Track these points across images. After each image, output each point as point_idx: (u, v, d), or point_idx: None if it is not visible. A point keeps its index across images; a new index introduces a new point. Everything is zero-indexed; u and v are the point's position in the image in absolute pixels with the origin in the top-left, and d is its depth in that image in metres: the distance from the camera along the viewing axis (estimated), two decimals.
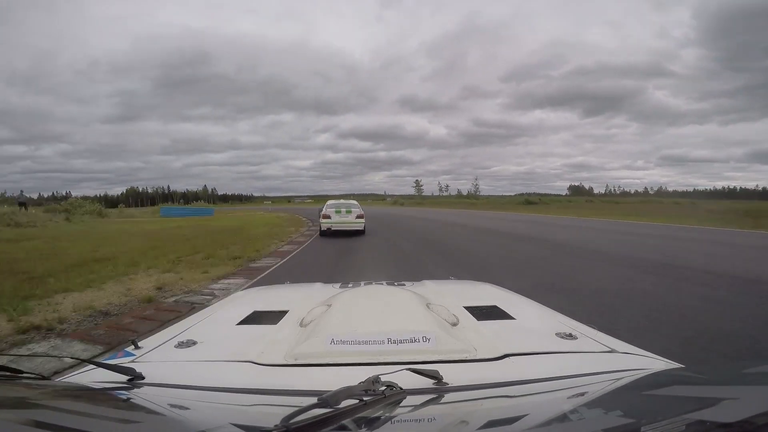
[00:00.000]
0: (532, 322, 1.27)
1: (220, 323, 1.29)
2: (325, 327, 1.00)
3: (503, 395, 0.73)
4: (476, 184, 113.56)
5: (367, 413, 0.57)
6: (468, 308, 1.26)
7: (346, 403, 0.57)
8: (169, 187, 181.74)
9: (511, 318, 1.23)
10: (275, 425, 0.49)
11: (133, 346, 1.04)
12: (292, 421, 0.49)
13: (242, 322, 1.22)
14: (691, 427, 0.47)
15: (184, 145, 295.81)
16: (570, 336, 1.05)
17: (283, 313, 1.26)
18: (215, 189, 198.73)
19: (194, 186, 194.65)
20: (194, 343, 1.04)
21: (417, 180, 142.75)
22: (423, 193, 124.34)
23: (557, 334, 1.06)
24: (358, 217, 13.59)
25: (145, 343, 1.07)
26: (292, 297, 1.64)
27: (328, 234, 13.08)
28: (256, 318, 1.27)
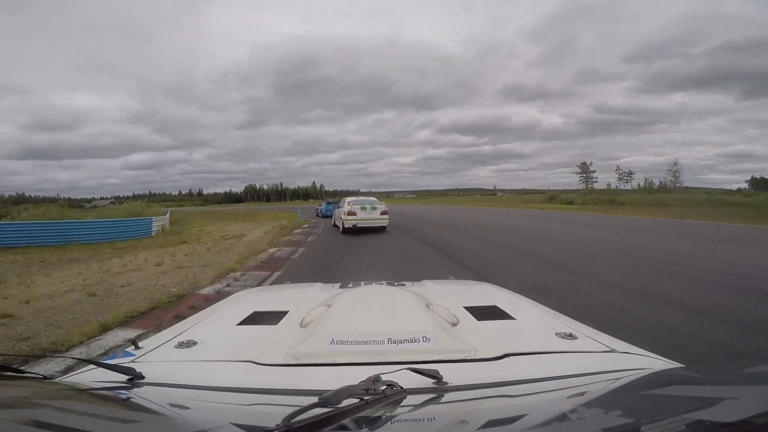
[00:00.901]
0: (532, 322, 1.28)
1: (221, 323, 1.29)
2: (325, 327, 1.01)
3: (503, 395, 0.73)
4: (675, 173, 55.59)
5: (368, 412, 0.58)
6: (468, 308, 1.27)
7: (347, 402, 0.57)
8: (281, 184, 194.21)
9: (511, 318, 1.23)
10: (276, 425, 0.49)
11: (133, 347, 1.04)
12: (293, 421, 0.49)
13: (242, 323, 1.23)
14: (691, 427, 0.47)
15: (302, 147, 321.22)
16: (570, 336, 1.06)
17: (283, 313, 1.27)
18: (323, 185, 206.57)
19: (307, 183, 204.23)
20: (194, 343, 1.05)
21: (583, 165, 69.25)
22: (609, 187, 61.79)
23: (557, 334, 1.06)
24: (383, 213, 13.70)
25: (146, 344, 1.07)
26: (292, 297, 1.65)
27: (351, 232, 12.85)
28: (256, 318, 1.27)
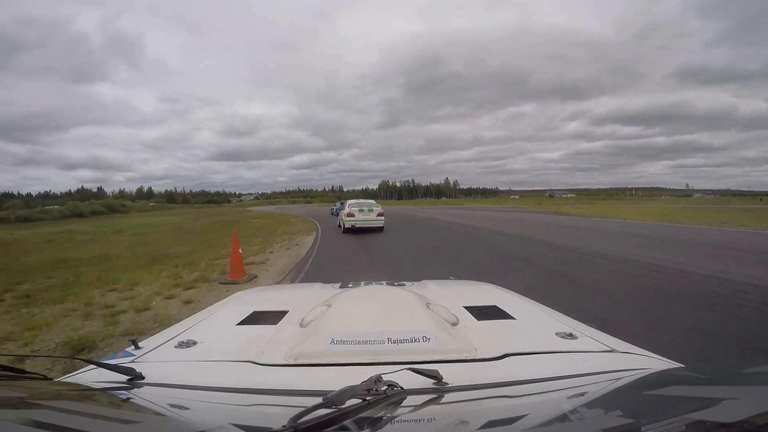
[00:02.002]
0: (532, 321, 1.26)
1: (220, 323, 1.29)
2: (325, 327, 1.00)
3: (503, 395, 0.74)
4: None
5: (370, 413, 0.58)
6: (468, 308, 1.26)
7: (349, 402, 0.57)
8: (413, 181, 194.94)
9: (511, 318, 1.23)
10: (283, 425, 0.50)
11: (133, 347, 1.04)
12: (299, 422, 0.50)
13: (242, 322, 1.22)
14: (691, 427, 0.47)
15: (434, 145, 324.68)
16: (570, 336, 1.06)
17: (283, 313, 1.26)
18: (457, 182, 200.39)
19: (439, 180, 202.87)
20: (194, 343, 1.05)
21: None
22: None
23: (557, 334, 1.06)
24: (379, 215, 14.89)
25: (146, 343, 1.07)
26: (292, 297, 1.64)
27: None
28: (256, 318, 1.26)
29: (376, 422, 0.57)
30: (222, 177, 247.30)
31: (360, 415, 0.56)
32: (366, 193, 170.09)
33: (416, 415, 0.64)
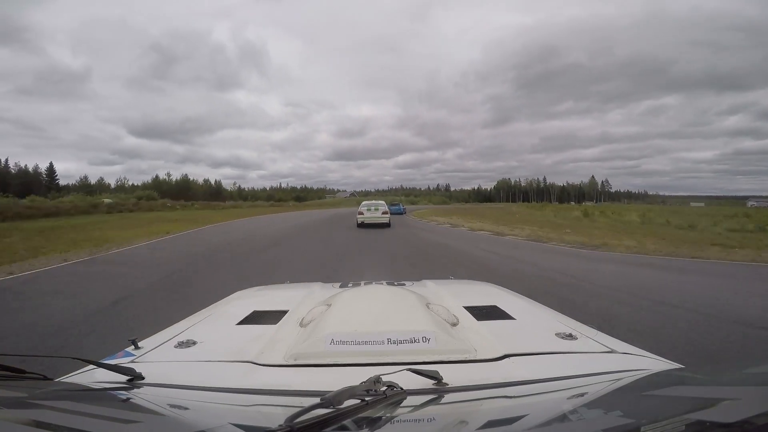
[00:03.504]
0: (532, 322, 1.26)
1: (220, 323, 1.29)
2: (325, 327, 1.00)
3: (503, 396, 0.73)
4: None
5: (369, 413, 0.58)
6: (468, 308, 1.26)
7: (348, 403, 0.57)
8: (545, 179, 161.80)
9: (511, 318, 1.23)
10: (279, 425, 0.50)
11: (133, 346, 1.04)
12: (296, 421, 0.50)
13: (242, 322, 1.23)
14: (691, 428, 0.47)
15: (551, 143, 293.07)
16: (570, 336, 1.05)
17: (282, 312, 1.26)
18: (608, 182, 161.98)
19: (573, 180, 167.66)
20: (194, 343, 1.05)
21: None
22: None
23: (557, 335, 1.06)
24: (383, 213, 18.06)
25: (145, 343, 1.07)
26: (292, 297, 1.62)
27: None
28: (255, 318, 1.27)
29: (374, 422, 0.57)
30: (335, 176, 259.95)
31: (358, 416, 0.56)
32: (479, 193, 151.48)
33: (416, 415, 0.64)
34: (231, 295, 1.76)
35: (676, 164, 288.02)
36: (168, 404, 0.70)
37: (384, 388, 0.64)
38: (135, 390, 0.77)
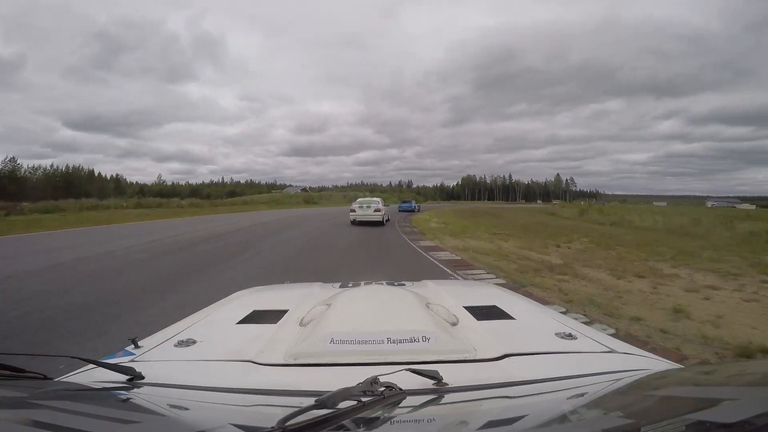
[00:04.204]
0: (532, 322, 1.26)
1: (220, 322, 1.29)
2: (325, 326, 0.99)
3: (503, 395, 0.73)
4: None
5: (366, 414, 0.58)
6: (468, 308, 1.26)
7: (344, 404, 0.57)
8: (510, 176, 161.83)
9: (510, 318, 1.23)
10: (272, 427, 0.50)
11: (133, 346, 1.04)
12: (288, 423, 0.50)
13: (242, 322, 1.23)
14: (691, 428, 0.47)
15: (504, 143, 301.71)
16: (570, 336, 1.05)
17: (282, 312, 1.26)
18: (573, 181, 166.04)
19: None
20: (194, 342, 1.04)
21: None
22: None
23: (557, 334, 1.06)
24: (376, 210, 17.24)
25: (145, 343, 1.07)
26: (292, 296, 1.63)
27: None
28: (255, 317, 1.27)
29: (372, 423, 0.57)
30: (292, 172, 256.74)
31: (355, 417, 0.56)
32: (442, 190, 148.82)
33: (415, 415, 0.64)
34: (231, 295, 1.76)
35: (615, 165, 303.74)
36: (168, 404, 0.70)
37: (382, 389, 0.64)
38: (135, 390, 0.77)
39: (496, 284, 1.87)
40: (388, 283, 1.73)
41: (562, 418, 0.59)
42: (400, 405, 0.64)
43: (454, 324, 1.10)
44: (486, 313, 1.24)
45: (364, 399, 0.59)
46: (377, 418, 0.58)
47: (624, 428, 0.50)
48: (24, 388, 0.77)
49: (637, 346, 1.03)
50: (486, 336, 1.02)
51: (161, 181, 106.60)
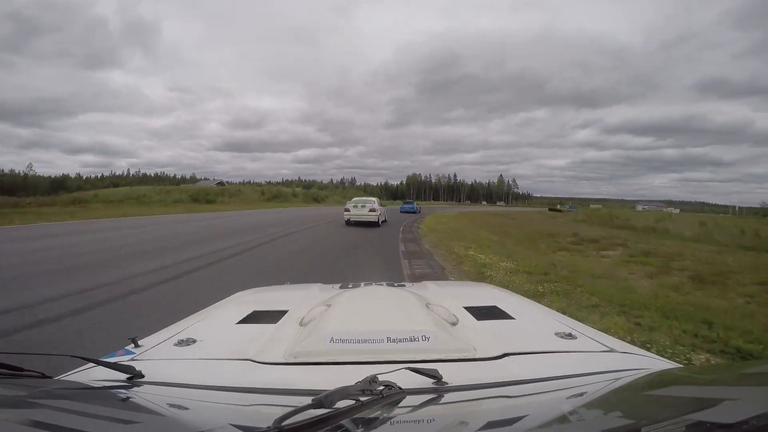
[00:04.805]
0: (532, 321, 1.26)
1: (220, 322, 1.29)
2: (325, 326, 1.00)
3: (503, 395, 0.73)
4: None
5: (364, 413, 0.57)
6: (468, 308, 1.26)
7: (342, 403, 0.56)
8: (455, 176, 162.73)
9: (510, 318, 1.23)
10: (267, 426, 0.50)
11: (132, 345, 1.04)
12: (285, 423, 0.50)
13: (242, 321, 1.22)
14: (691, 428, 0.47)
15: (441, 146, 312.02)
16: (569, 336, 1.05)
17: (282, 312, 1.26)
18: (515, 183, 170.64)
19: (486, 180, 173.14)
20: (194, 341, 1.04)
21: None
22: None
23: (557, 334, 1.06)
24: (371, 210, 16.56)
25: (145, 342, 1.07)
26: (292, 297, 1.64)
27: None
28: (255, 317, 1.26)
29: (370, 423, 0.56)
30: (225, 167, 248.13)
31: (353, 416, 0.55)
32: (386, 189, 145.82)
33: (414, 415, 0.63)
34: (231, 296, 1.75)
35: (537, 170, 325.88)
36: (168, 403, 0.70)
37: (381, 388, 0.63)
38: (135, 389, 0.77)
39: (494, 285, 1.83)
40: (388, 285, 1.73)
41: (562, 418, 0.59)
42: (400, 404, 0.64)
43: (454, 324, 1.10)
44: (486, 313, 1.24)
45: (362, 398, 0.59)
46: (376, 417, 0.58)
47: (624, 428, 0.50)
48: (23, 387, 0.77)
49: (638, 347, 1.02)
50: (486, 335, 1.02)
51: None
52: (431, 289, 1.66)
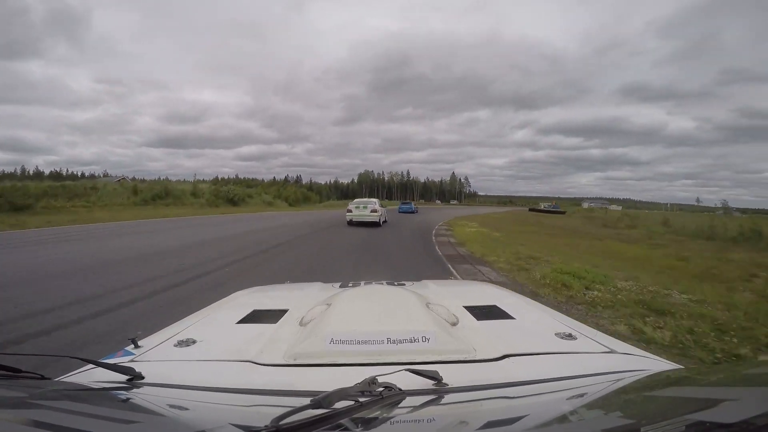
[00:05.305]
0: (532, 322, 1.26)
1: (220, 322, 1.28)
2: (325, 327, 0.99)
3: (503, 396, 0.73)
4: None
5: (363, 414, 0.57)
6: (468, 308, 1.26)
7: (341, 404, 0.56)
8: (408, 173, 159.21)
9: (510, 318, 1.22)
10: (265, 426, 0.50)
11: (132, 345, 1.03)
12: (282, 422, 0.50)
13: (242, 321, 1.22)
14: (691, 428, 0.47)
15: (391, 144, 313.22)
16: (569, 336, 1.05)
17: (282, 312, 1.26)
18: (468, 181, 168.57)
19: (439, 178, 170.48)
20: (194, 342, 1.04)
21: None
22: None
23: (557, 335, 1.06)
24: (372, 211, 16.79)
25: (145, 343, 1.06)
26: (292, 296, 1.65)
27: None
28: (255, 317, 1.26)
29: (369, 423, 0.56)
30: (159, 165, 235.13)
31: (352, 417, 0.55)
32: (337, 188, 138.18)
33: (414, 416, 0.63)
34: (231, 295, 1.74)
35: (479, 169, 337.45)
36: (168, 404, 0.70)
37: (380, 389, 0.63)
38: (135, 390, 0.77)
39: (495, 284, 1.82)
40: (388, 284, 1.73)
41: (562, 419, 0.59)
42: (399, 405, 0.64)
43: (454, 324, 1.09)
44: (486, 313, 1.24)
45: (361, 399, 0.59)
46: (375, 418, 0.58)
47: (624, 428, 0.50)
48: (22, 388, 0.76)
49: (638, 347, 1.02)
50: (486, 336, 1.02)
51: None
52: (431, 288, 1.65)
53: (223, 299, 1.65)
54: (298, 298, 1.49)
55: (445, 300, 1.32)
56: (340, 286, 1.71)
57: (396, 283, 1.74)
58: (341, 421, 0.54)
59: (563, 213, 51.72)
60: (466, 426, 0.63)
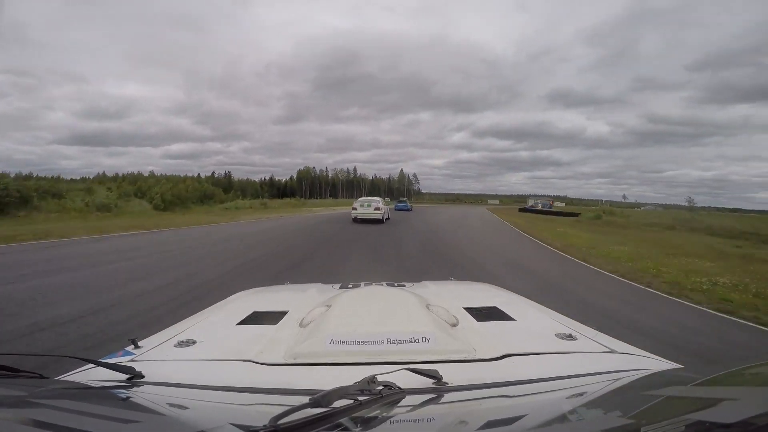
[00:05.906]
0: (532, 322, 1.26)
1: (220, 323, 1.28)
2: (325, 327, 0.99)
3: (502, 395, 0.73)
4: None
5: (362, 413, 0.57)
6: (468, 309, 1.26)
7: (340, 403, 0.56)
8: (355, 170, 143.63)
9: (510, 319, 1.22)
10: (264, 425, 0.50)
11: (132, 345, 1.03)
12: (281, 422, 0.50)
13: (242, 322, 1.22)
14: (690, 428, 0.47)
15: (335, 144, 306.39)
16: (569, 336, 1.05)
17: (282, 313, 1.25)
18: (416, 179, 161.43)
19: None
20: (194, 342, 1.04)
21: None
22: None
23: (557, 335, 1.06)
24: (376, 209, 18.09)
25: (145, 342, 1.06)
26: (292, 297, 1.63)
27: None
28: (255, 318, 1.26)
29: (368, 422, 0.56)
30: (73, 163, 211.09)
31: (351, 416, 0.55)
32: (272, 185, 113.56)
33: (414, 414, 0.63)
34: (231, 296, 1.73)
35: (420, 169, 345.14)
36: (168, 403, 0.70)
37: (380, 388, 0.63)
38: (135, 389, 0.76)
39: (495, 285, 1.85)
40: (388, 284, 1.72)
41: (562, 418, 0.59)
42: (399, 404, 0.63)
43: (454, 325, 1.09)
44: (486, 314, 1.24)
45: (360, 398, 0.59)
46: (375, 417, 0.58)
47: (624, 428, 0.50)
48: (22, 387, 0.76)
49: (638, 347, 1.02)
50: (486, 336, 1.02)
51: None
52: (431, 289, 1.65)
53: (223, 301, 1.64)
54: (298, 299, 1.49)
55: (445, 301, 1.32)
56: (340, 287, 1.70)
57: (396, 285, 1.74)
58: (340, 420, 0.54)
59: (577, 215, 35.89)
60: (465, 425, 0.63)
